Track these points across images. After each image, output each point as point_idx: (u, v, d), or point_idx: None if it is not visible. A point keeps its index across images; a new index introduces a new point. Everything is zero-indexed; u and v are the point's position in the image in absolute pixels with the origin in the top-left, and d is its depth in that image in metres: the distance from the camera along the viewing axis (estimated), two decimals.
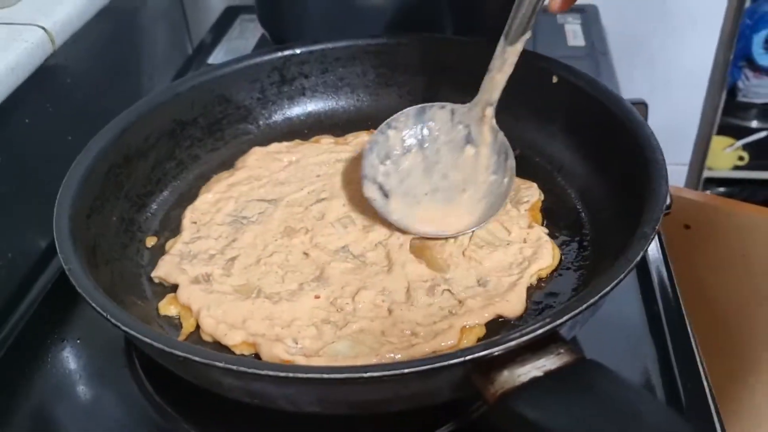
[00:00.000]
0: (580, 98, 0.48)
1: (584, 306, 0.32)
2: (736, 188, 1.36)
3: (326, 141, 0.54)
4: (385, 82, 0.56)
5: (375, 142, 0.45)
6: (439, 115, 0.45)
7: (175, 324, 0.41)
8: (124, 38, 0.74)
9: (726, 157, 1.32)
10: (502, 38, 0.41)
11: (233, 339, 0.38)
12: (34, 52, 0.55)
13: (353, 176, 0.48)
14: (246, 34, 0.80)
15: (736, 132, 1.31)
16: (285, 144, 0.53)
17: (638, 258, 0.34)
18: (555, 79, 0.49)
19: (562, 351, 0.31)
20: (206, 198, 0.48)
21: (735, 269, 0.83)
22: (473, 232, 0.43)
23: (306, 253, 0.43)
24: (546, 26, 0.79)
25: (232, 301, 0.39)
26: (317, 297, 0.40)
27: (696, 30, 0.93)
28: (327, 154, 0.51)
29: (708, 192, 1.35)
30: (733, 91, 1.28)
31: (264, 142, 0.54)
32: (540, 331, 0.31)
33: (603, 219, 0.44)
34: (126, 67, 0.75)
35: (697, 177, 1.15)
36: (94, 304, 0.33)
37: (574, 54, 0.76)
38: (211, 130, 0.53)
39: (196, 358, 0.30)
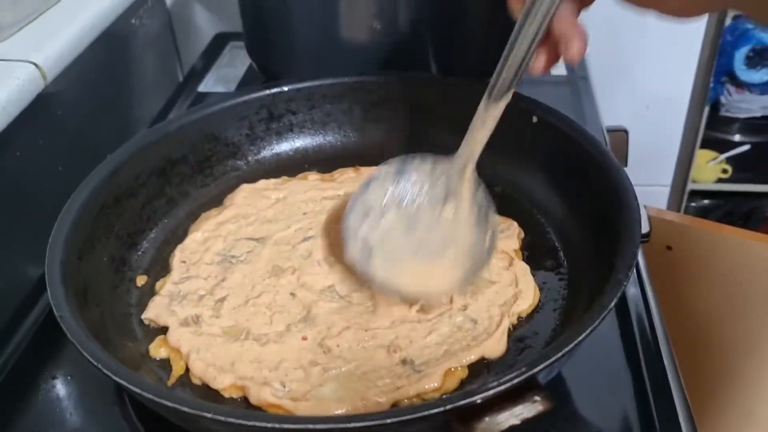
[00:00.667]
0: (558, 138, 0.49)
1: (560, 354, 0.33)
2: (719, 200, 1.38)
3: (313, 177, 0.55)
4: (371, 118, 0.57)
5: (356, 199, 0.45)
6: (420, 168, 0.45)
7: (165, 366, 0.42)
8: (115, 66, 0.75)
9: (710, 170, 1.34)
10: (485, 96, 0.41)
11: (222, 382, 0.39)
12: (26, 89, 0.55)
13: (339, 214, 0.49)
14: (235, 62, 0.81)
15: (720, 145, 1.33)
16: (273, 181, 0.54)
17: (612, 304, 0.35)
18: (535, 119, 0.51)
19: (537, 399, 0.32)
20: (195, 237, 0.49)
21: (715, 289, 0.85)
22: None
23: (293, 294, 0.44)
24: None
25: (221, 344, 0.41)
26: (304, 338, 0.41)
27: (676, 52, 0.96)
28: (314, 191, 0.53)
29: (693, 204, 1.37)
30: (716, 106, 1.31)
31: (253, 177, 0.55)
32: (517, 380, 0.32)
33: (580, 257, 0.46)
34: (117, 95, 0.76)
35: (680, 196, 1.18)
36: (86, 354, 0.34)
37: (555, 81, 0.78)
38: (200, 167, 0.54)
39: (185, 409, 0.31)
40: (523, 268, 0.45)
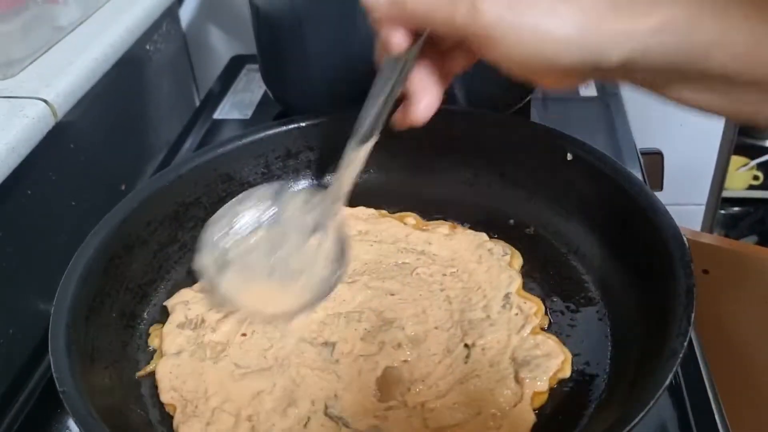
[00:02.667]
0: (596, 178, 0.46)
1: None
2: (750, 208, 1.33)
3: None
4: (393, 153, 0.54)
5: (222, 215, 0.43)
6: (295, 199, 0.44)
7: None
8: (130, 94, 0.73)
9: (741, 176, 1.30)
10: (351, 138, 0.41)
11: None
12: (36, 127, 0.53)
13: None
14: (252, 86, 0.79)
15: (751, 151, 1.28)
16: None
17: (668, 381, 0.32)
18: (569, 156, 0.47)
19: None
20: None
21: (754, 313, 0.81)
22: None
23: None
24: None
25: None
26: None
27: None
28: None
29: (723, 211, 1.33)
30: None
31: None
32: None
33: (623, 313, 0.42)
34: (132, 123, 0.74)
35: (712, 216, 1.13)
36: None
37: (586, 102, 0.74)
38: (214, 209, 0.50)
39: None
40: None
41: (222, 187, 0.52)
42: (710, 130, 0.98)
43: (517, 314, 0.43)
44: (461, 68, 0.40)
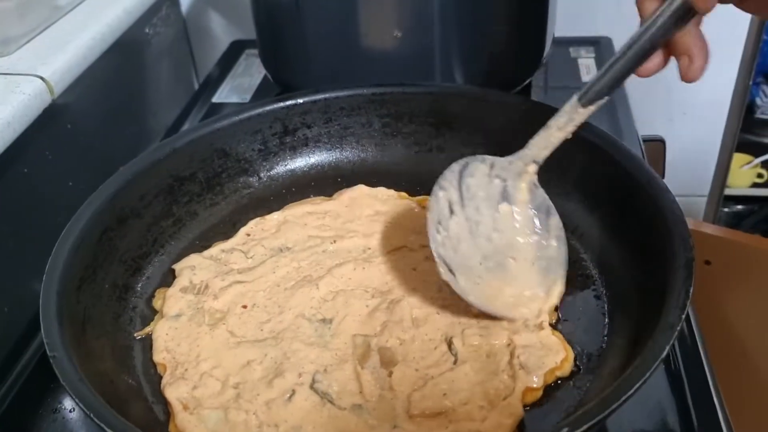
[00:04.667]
0: (595, 156, 0.45)
1: (606, 413, 0.29)
2: (754, 206, 1.32)
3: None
4: (390, 132, 0.54)
5: (430, 208, 0.41)
6: (479, 169, 0.41)
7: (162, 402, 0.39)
8: (129, 76, 0.73)
9: (744, 174, 1.28)
10: (574, 96, 0.38)
11: None
12: (32, 104, 0.53)
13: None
14: (251, 71, 0.78)
15: (755, 149, 1.27)
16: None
17: (664, 353, 0.31)
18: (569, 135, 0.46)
19: None
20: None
21: (757, 305, 0.81)
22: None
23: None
24: (558, 61, 0.76)
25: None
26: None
27: (716, 52, 0.90)
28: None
29: (726, 209, 1.31)
30: (751, 108, 1.24)
31: (265, 195, 0.52)
32: None
33: (621, 290, 0.41)
34: (130, 106, 0.74)
35: (715, 207, 1.12)
36: (77, 400, 0.32)
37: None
38: (210, 184, 0.51)
39: None
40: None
41: (218, 163, 0.51)
42: (714, 119, 0.97)
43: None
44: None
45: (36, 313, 0.52)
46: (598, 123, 0.57)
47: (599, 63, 0.78)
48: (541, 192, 0.41)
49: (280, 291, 0.44)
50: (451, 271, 0.39)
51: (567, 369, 0.38)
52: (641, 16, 0.35)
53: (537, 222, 0.40)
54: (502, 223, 0.40)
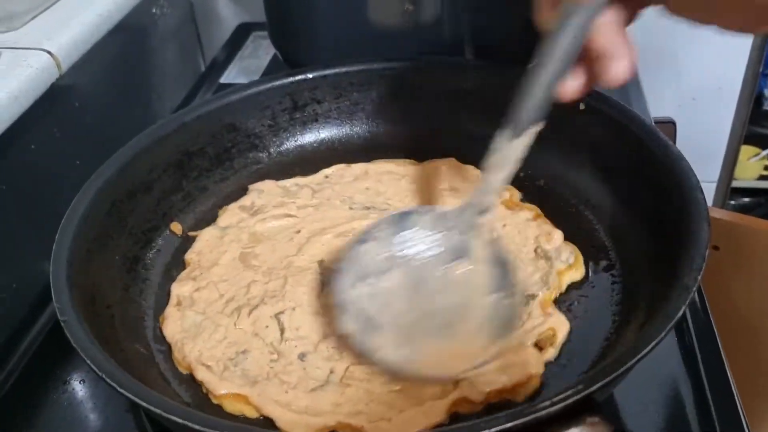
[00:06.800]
0: (608, 127, 0.45)
1: (622, 369, 0.29)
2: (761, 198, 1.31)
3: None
4: (402, 108, 0.53)
5: (349, 259, 0.37)
6: (423, 221, 0.37)
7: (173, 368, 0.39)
8: (135, 57, 0.73)
9: (751, 166, 1.28)
10: (506, 132, 0.33)
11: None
12: (39, 78, 0.53)
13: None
14: (259, 53, 0.78)
15: (762, 141, 1.26)
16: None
17: (680, 314, 0.31)
18: (582, 106, 0.46)
19: (594, 421, 0.28)
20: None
21: (766, 290, 0.80)
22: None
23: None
24: None
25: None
26: None
27: (726, 43, 0.90)
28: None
29: (733, 201, 1.31)
30: (758, 99, 1.24)
31: (275, 170, 0.52)
32: (572, 399, 0.28)
33: (635, 259, 0.41)
34: (137, 87, 0.74)
35: (724, 193, 1.12)
36: (89, 361, 0.31)
37: None
38: (219, 159, 0.51)
39: (196, 426, 0.28)
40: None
41: (228, 138, 0.51)
42: (724, 106, 0.96)
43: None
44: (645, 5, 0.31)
45: (43, 289, 0.53)
46: None
47: None
48: (499, 245, 0.37)
49: (318, 237, 0.44)
50: (370, 323, 0.36)
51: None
52: (542, 28, 0.32)
53: (498, 280, 0.36)
54: (454, 282, 0.36)
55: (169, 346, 0.40)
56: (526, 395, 0.35)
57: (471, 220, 0.36)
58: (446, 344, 0.35)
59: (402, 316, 0.36)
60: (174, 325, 0.40)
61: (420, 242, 0.37)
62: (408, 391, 0.35)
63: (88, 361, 0.31)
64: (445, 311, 0.36)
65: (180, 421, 0.28)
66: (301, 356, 0.38)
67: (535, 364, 0.36)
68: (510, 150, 0.34)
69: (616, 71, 0.30)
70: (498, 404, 0.35)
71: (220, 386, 0.36)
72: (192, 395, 0.38)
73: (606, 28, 0.30)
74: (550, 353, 0.37)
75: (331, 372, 0.36)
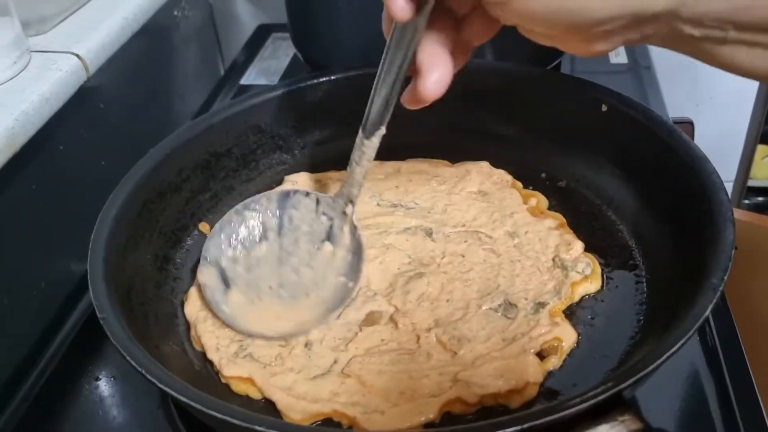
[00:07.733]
0: (631, 128, 0.45)
1: (652, 366, 0.29)
2: None
3: None
4: (423, 108, 0.54)
5: (227, 222, 0.43)
6: (304, 203, 0.43)
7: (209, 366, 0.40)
8: (158, 59, 0.74)
9: (765, 166, 1.27)
10: (360, 131, 0.39)
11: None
12: (69, 81, 0.54)
13: None
14: (278, 54, 0.79)
15: None
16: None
17: (707, 313, 0.31)
18: (604, 108, 0.47)
19: (624, 419, 0.29)
20: None
21: None
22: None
23: None
24: None
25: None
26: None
27: None
28: None
29: (746, 201, 1.30)
30: None
31: (300, 172, 0.52)
32: (603, 396, 0.28)
33: (660, 259, 0.42)
34: (159, 89, 0.75)
35: (740, 193, 1.11)
36: (129, 358, 0.32)
37: (617, 71, 0.73)
38: (245, 160, 0.52)
39: (236, 421, 0.29)
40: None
41: (253, 139, 0.52)
42: (741, 106, 0.96)
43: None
44: (480, 38, 0.36)
45: (71, 288, 0.54)
46: None
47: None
48: (359, 235, 0.41)
49: None
50: (226, 282, 0.41)
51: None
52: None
53: (350, 266, 0.41)
54: (317, 261, 0.41)
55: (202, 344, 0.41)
56: (521, 402, 0.35)
57: (341, 208, 0.41)
58: (284, 309, 0.40)
59: (258, 281, 0.41)
60: (194, 305, 0.42)
61: (296, 220, 0.42)
62: (403, 386, 0.36)
63: (128, 358, 0.32)
64: (297, 283, 0.41)
65: (221, 417, 0.29)
66: (308, 345, 0.39)
67: (533, 372, 0.36)
68: (365, 148, 0.39)
69: (425, 84, 0.34)
70: (491, 408, 0.35)
71: (229, 369, 0.38)
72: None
73: (426, 46, 0.34)
74: (553, 362, 0.37)
75: (335, 362, 0.38)
